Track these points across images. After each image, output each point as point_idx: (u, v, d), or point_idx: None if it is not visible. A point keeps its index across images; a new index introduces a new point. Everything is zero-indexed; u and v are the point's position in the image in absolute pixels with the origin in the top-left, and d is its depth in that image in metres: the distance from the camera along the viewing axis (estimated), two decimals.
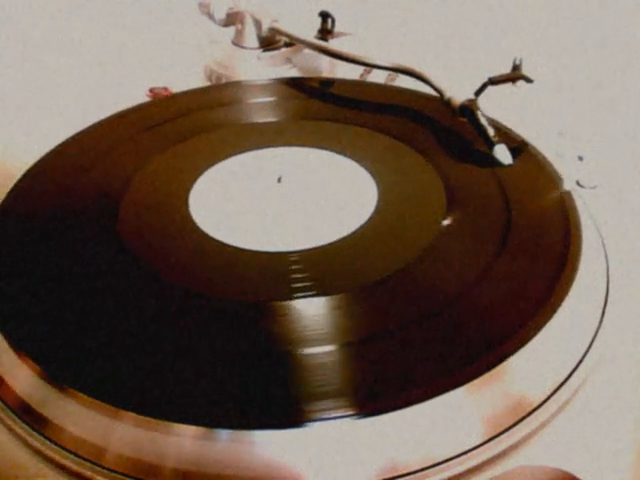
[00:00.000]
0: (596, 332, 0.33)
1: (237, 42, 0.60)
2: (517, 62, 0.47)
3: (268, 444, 0.27)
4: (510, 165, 0.41)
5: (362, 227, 0.37)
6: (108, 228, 0.38)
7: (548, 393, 0.30)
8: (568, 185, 0.40)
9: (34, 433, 0.29)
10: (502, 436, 0.28)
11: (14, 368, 0.31)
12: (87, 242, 0.37)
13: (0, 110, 0.56)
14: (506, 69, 0.47)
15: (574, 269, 0.34)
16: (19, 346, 0.31)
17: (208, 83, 0.59)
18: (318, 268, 0.35)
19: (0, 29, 0.67)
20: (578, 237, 0.36)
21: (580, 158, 0.45)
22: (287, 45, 0.60)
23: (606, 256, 0.38)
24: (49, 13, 0.70)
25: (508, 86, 0.46)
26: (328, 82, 0.55)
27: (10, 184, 0.42)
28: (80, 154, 0.45)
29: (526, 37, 0.62)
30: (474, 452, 0.28)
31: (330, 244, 0.36)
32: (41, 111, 0.56)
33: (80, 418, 0.29)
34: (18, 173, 0.43)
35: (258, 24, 0.59)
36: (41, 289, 0.34)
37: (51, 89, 0.59)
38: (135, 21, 0.70)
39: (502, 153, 0.42)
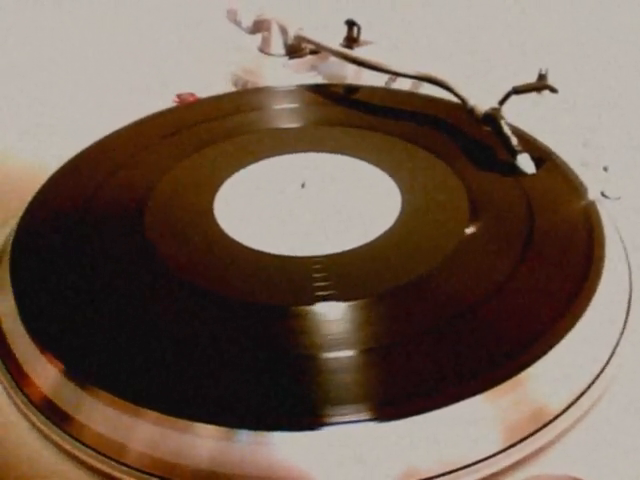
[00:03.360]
0: (618, 342, 0.33)
1: (263, 49, 0.61)
2: (543, 72, 0.47)
3: (287, 446, 0.27)
4: (534, 174, 0.41)
5: (385, 233, 0.38)
6: (134, 231, 0.39)
7: (568, 402, 0.30)
8: (592, 195, 0.40)
9: (56, 429, 0.30)
10: (521, 444, 0.28)
11: (38, 365, 0.32)
12: (112, 244, 0.38)
13: (27, 114, 0.57)
14: (531, 78, 0.47)
15: (597, 279, 0.34)
16: (43, 343, 0.32)
17: (234, 89, 0.60)
18: (341, 273, 0.35)
19: (31, 31, 0.68)
20: (601, 248, 0.36)
21: (605, 168, 0.45)
22: (312, 53, 0.61)
23: (629, 267, 0.37)
24: (77, 19, 0.71)
25: (533, 95, 0.46)
26: (353, 89, 0.55)
27: (37, 187, 0.43)
28: (107, 158, 0.46)
29: (552, 46, 0.62)
30: (492, 460, 0.28)
31: (353, 250, 0.37)
32: (68, 116, 0.56)
33: (102, 415, 0.29)
34: (45, 176, 0.44)
35: (284, 32, 0.59)
36: (66, 288, 0.35)
37: (79, 94, 0.60)
38: (163, 28, 0.71)
39: (525, 162, 0.41)
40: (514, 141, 0.42)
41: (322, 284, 0.34)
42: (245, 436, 0.27)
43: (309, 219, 0.40)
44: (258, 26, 0.61)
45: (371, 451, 0.27)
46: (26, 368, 0.32)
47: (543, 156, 0.43)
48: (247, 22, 0.61)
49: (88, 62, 0.65)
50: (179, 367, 0.30)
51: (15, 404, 0.31)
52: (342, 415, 0.28)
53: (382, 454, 0.27)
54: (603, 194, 0.43)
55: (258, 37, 0.61)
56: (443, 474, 0.27)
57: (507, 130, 0.43)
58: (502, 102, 0.45)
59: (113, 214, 0.40)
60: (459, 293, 0.33)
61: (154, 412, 0.28)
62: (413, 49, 0.63)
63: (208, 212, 0.40)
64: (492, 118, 0.44)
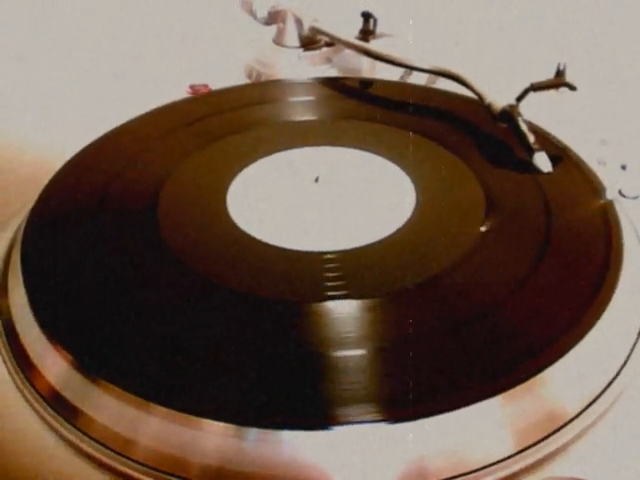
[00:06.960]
0: (634, 344, 0.32)
1: (278, 41, 0.61)
2: (561, 68, 0.46)
3: (296, 444, 0.27)
4: (550, 173, 0.41)
5: (399, 230, 0.37)
6: (146, 224, 0.38)
7: (583, 405, 0.29)
8: (610, 194, 0.40)
9: (64, 422, 0.30)
10: (535, 447, 0.28)
11: (47, 357, 0.31)
12: (123, 235, 0.38)
13: (41, 106, 0.57)
14: (549, 74, 0.46)
15: (615, 280, 0.33)
16: (53, 336, 0.32)
17: (248, 81, 0.60)
18: (353, 270, 0.35)
19: (43, 21, 0.68)
20: (619, 247, 0.35)
21: (623, 167, 0.44)
22: (328, 45, 0.60)
23: None
24: (92, 8, 0.71)
25: (551, 92, 0.46)
26: (368, 82, 0.55)
27: (49, 176, 0.43)
28: (119, 149, 0.45)
29: (571, 42, 0.61)
30: (506, 462, 0.27)
31: (366, 246, 0.36)
32: (81, 106, 0.56)
33: (110, 409, 0.29)
34: (58, 165, 0.43)
35: (299, 23, 0.59)
36: (77, 280, 0.35)
37: (93, 84, 0.60)
38: (177, 18, 0.71)
39: (542, 161, 0.41)
40: (531, 139, 0.42)
41: (334, 279, 0.34)
42: (254, 434, 0.27)
43: (322, 214, 0.39)
44: (273, 17, 0.60)
45: (382, 452, 0.27)
46: (35, 359, 0.32)
47: (560, 154, 0.42)
48: (262, 13, 0.60)
49: (102, 52, 0.65)
50: (189, 362, 0.30)
51: (23, 396, 0.31)
52: (353, 415, 0.27)
53: (392, 455, 0.27)
54: (621, 193, 0.42)
55: (273, 28, 0.61)
56: (454, 477, 0.27)
57: (524, 127, 0.42)
58: (520, 99, 0.44)
59: (125, 205, 0.40)
60: (474, 293, 0.33)
61: (163, 407, 0.28)
62: (429, 43, 0.62)
63: (221, 205, 0.40)
64: (509, 115, 0.43)
